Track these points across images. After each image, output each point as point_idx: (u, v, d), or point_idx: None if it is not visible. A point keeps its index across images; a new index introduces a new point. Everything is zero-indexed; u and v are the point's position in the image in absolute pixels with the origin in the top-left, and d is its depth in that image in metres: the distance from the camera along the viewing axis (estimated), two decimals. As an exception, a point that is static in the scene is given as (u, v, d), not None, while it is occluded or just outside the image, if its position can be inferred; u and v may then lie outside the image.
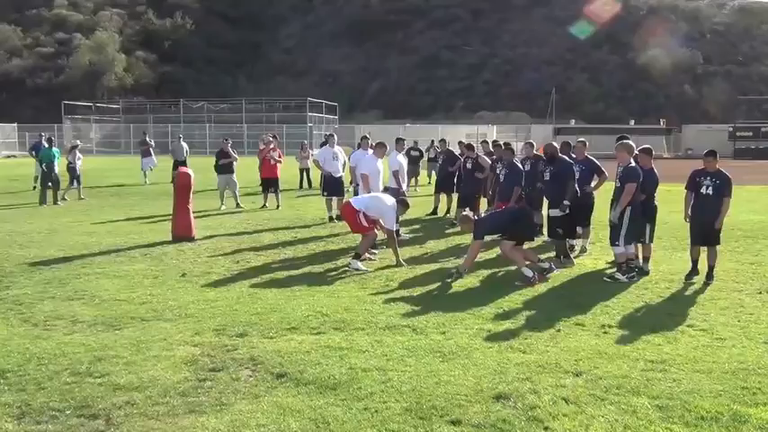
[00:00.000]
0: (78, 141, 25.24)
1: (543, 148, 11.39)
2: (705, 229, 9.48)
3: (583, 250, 11.72)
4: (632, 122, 67.31)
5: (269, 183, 18.47)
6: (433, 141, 26.89)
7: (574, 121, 69.77)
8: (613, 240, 9.73)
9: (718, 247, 9.62)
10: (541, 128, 64.56)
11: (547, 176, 10.89)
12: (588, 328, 7.26)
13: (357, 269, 10.19)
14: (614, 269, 9.98)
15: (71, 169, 20.77)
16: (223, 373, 5.85)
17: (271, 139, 19.68)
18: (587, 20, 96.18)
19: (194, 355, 6.27)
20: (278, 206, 18.07)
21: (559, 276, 9.91)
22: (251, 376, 5.79)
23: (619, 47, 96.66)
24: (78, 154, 21.69)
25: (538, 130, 62.66)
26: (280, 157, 18.82)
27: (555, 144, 11.42)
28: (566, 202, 10.45)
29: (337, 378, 5.70)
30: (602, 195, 11.46)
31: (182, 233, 12.91)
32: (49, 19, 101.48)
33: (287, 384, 5.60)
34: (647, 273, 9.90)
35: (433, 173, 25.37)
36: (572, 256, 11.31)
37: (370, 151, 14.85)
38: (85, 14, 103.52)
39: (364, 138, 16.13)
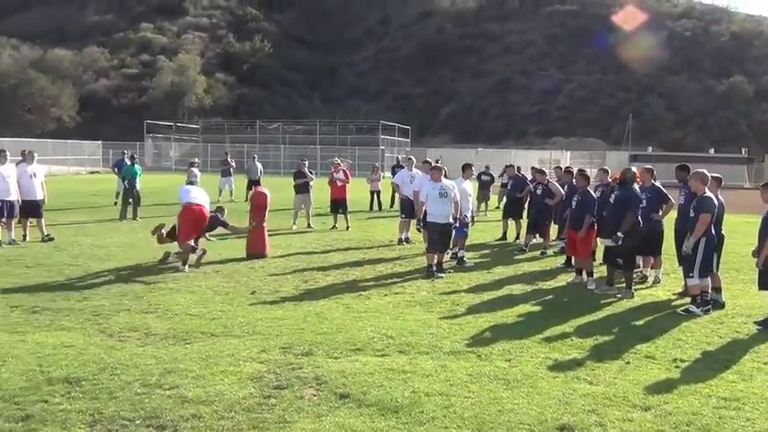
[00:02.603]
0: (197, 159, 26.30)
1: (621, 173, 11.13)
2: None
3: (656, 281, 11.45)
4: (712, 151, 65.39)
5: (337, 204, 18.65)
6: (506, 167, 26.77)
7: (651, 148, 68.20)
8: (687, 272, 9.46)
9: None
10: (616, 154, 63.36)
11: (611, 200, 10.68)
12: (659, 361, 7.07)
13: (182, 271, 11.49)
14: (680, 299, 9.71)
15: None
16: (287, 390, 5.94)
17: (339, 161, 20.00)
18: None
19: (260, 372, 6.38)
20: (347, 227, 18.22)
21: (630, 307, 9.70)
22: (315, 395, 5.86)
23: (698, 73, 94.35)
24: (195, 171, 22.84)
25: (613, 156, 61.52)
26: (346, 177, 19.04)
27: (634, 169, 11.15)
28: (619, 234, 10.17)
29: (400, 401, 5.71)
30: (669, 224, 11.22)
31: (256, 250, 13.27)
32: (135, 41, 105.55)
33: (349, 405, 5.64)
34: (722, 305, 9.59)
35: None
36: (645, 286, 11.11)
37: (417, 171, 15.32)
38: (169, 38, 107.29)
39: (408, 159, 16.76)
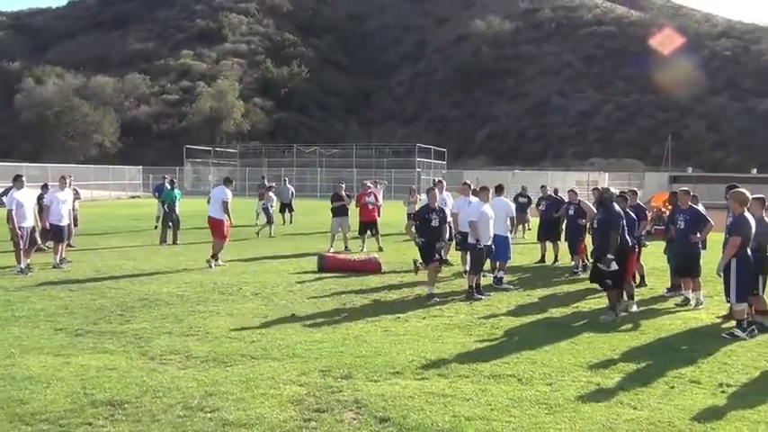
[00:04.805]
0: (273, 184, 26.85)
1: (599, 193, 11.23)
2: None
3: (698, 303, 11.24)
4: (754, 171, 64.09)
5: (366, 226, 18.74)
6: (541, 188, 26.64)
7: (691, 168, 67.21)
8: (727, 295, 9.30)
9: None
10: (656, 176, 62.56)
11: (595, 224, 10.68)
12: (704, 385, 6.92)
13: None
14: (725, 322, 9.53)
15: (264, 209, 23.33)
16: (327, 414, 5.93)
17: (369, 184, 20.13)
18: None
19: (300, 395, 6.39)
20: (380, 248, 18.27)
21: (673, 330, 9.52)
22: (354, 419, 5.84)
23: (739, 92, 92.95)
24: (272, 196, 23.50)
25: (652, 177, 60.76)
26: (376, 200, 19.13)
27: (612, 190, 11.09)
28: (609, 256, 10.03)
29: (440, 425, 5.66)
30: (711, 246, 11.05)
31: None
32: (175, 68, 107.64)
33: (390, 429, 5.61)
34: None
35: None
36: (687, 309, 10.94)
37: (447, 194, 16.18)
38: (208, 64, 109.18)
39: (439, 181, 17.20)
